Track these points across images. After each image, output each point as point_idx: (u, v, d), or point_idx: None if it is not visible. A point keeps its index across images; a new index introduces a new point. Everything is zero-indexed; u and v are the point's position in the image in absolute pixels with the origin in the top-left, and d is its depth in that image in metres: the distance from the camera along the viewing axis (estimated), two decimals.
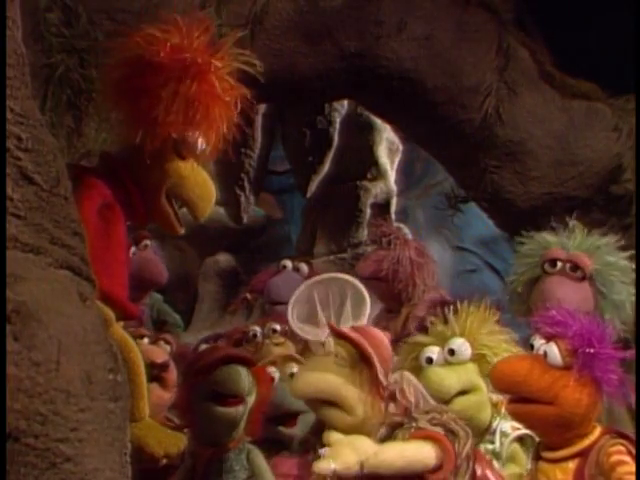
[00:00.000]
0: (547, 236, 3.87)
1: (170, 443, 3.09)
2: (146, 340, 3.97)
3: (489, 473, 2.76)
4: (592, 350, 2.73)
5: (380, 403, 2.82)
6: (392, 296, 4.51)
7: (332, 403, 2.81)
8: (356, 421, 2.79)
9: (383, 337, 2.92)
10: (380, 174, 6.33)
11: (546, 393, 2.76)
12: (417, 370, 3.30)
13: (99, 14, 3.73)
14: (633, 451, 2.76)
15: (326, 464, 2.59)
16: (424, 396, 2.87)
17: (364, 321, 3.00)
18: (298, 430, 3.63)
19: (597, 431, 2.81)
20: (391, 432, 2.75)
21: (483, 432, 3.31)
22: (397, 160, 6.44)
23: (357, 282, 3.04)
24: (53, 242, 2.29)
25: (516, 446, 3.26)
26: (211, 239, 6.26)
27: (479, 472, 2.70)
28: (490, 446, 3.28)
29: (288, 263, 4.81)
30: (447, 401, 3.25)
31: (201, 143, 3.02)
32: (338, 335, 2.86)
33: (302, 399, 2.97)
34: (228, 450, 3.30)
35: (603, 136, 4.70)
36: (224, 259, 6.49)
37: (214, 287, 6.40)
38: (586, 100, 4.72)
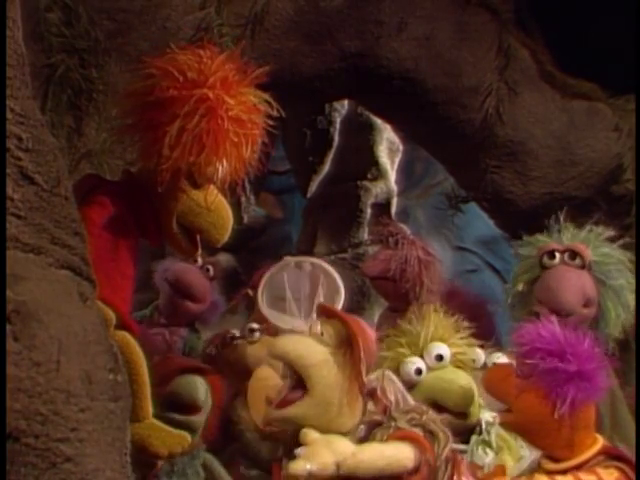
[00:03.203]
0: (540, 237, 3.87)
1: (174, 442, 3.09)
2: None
3: None
4: (536, 361, 2.69)
5: (358, 392, 2.71)
6: (399, 296, 4.50)
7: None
8: (320, 404, 2.65)
9: (371, 331, 2.82)
10: (380, 174, 6.32)
11: (508, 400, 2.78)
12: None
13: (99, 14, 3.73)
14: (630, 474, 2.69)
15: (301, 465, 2.53)
16: (404, 396, 2.81)
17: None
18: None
19: (596, 448, 2.75)
20: (370, 431, 2.70)
21: (471, 428, 3.30)
22: (397, 160, 6.43)
23: (331, 269, 2.96)
24: (53, 242, 2.30)
25: (502, 433, 3.22)
26: None
27: (455, 478, 2.66)
28: (479, 437, 3.27)
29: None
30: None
31: (218, 169, 2.97)
32: (329, 313, 2.77)
33: (280, 358, 2.77)
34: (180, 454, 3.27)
35: (603, 136, 4.70)
36: (224, 259, 6.48)
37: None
38: (586, 100, 4.72)
